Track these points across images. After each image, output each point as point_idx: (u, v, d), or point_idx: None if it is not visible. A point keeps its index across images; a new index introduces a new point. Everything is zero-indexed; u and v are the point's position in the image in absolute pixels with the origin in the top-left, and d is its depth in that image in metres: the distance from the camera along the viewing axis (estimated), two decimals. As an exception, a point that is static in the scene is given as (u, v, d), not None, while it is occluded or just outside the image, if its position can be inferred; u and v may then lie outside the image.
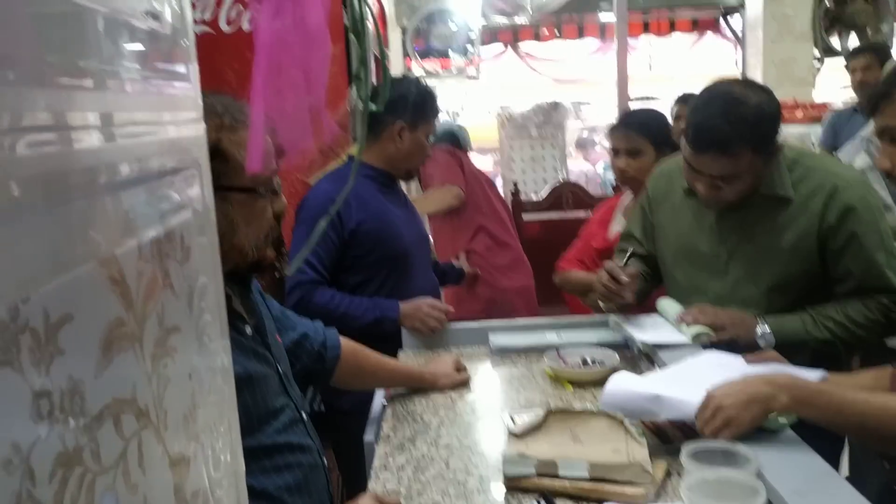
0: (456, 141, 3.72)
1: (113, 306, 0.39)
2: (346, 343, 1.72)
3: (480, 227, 3.39)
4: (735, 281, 1.84)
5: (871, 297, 1.74)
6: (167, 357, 0.45)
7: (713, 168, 1.73)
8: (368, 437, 1.70)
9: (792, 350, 1.64)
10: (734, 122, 1.67)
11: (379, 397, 1.85)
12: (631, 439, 1.38)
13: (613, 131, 2.47)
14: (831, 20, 6.49)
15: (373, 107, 0.92)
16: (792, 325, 1.75)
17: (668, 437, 1.47)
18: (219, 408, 0.57)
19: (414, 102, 2.28)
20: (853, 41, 6.29)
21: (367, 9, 0.81)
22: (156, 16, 0.53)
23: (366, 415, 1.81)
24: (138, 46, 0.49)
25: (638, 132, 2.40)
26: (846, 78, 4.67)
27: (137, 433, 0.40)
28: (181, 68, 0.57)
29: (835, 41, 6.65)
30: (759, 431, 1.32)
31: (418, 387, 1.85)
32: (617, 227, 2.49)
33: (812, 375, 1.45)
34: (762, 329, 1.75)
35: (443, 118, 4.27)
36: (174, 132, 0.55)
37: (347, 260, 2.19)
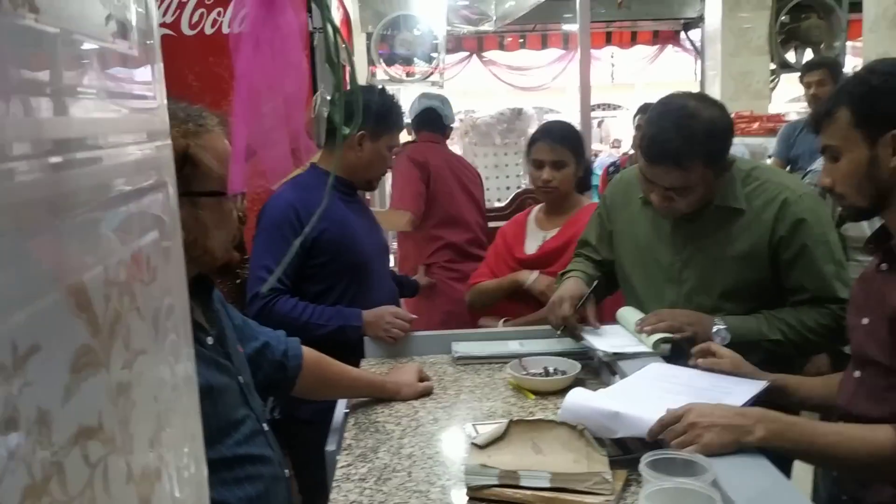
0: (438, 122, 3.63)
1: (80, 333, 0.39)
2: (308, 352, 1.72)
3: (446, 243, 3.35)
4: (689, 289, 1.89)
5: (823, 306, 1.79)
6: (133, 381, 0.45)
7: (666, 179, 1.77)
8: (330, 446, 1.70)
9: (745, 350, 1.68)
10: (687, 136, 1.72)
11: (341, 407, 1.85)
12: (591, 449, 1.40)
13: (537, 143, 2.47)
14: (787, 35, 6.66)
15: (346, 130, 0.93)
16: (748, 324, 1.80)
17: (628, 446, 1.50)
18: (184, 425, 0.57)
19: (376, 112, 2.26)
20: (808, 56, 6.45)
21: (341, 38, 0.82)
22: (123, 33, 0.53)
23: (325, 424, 1.80)
24: (102, 65, 0.49)
25: (562, 144, 2.43)
26: (801, 91, 4.79)
27: (104, 459, 0.40)
28: (147, 89, 0.57)
29: (790, 56, 6.82)
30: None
31: (381, 396, 1.85)
32: (534, 241, 2.52)
33: (753, 387, 1.50)
34: (718, 326, 1.79)
35: (423, 92, 4.16)
36: (139, 152, 0.55)
37: (308, 269, 2.18)
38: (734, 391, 1.52)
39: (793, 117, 5.42)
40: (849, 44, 6.70)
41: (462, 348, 2.12)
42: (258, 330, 1.65)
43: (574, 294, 1.98)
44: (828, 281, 1.78)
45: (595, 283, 2.05)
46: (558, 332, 1.99)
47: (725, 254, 1.84)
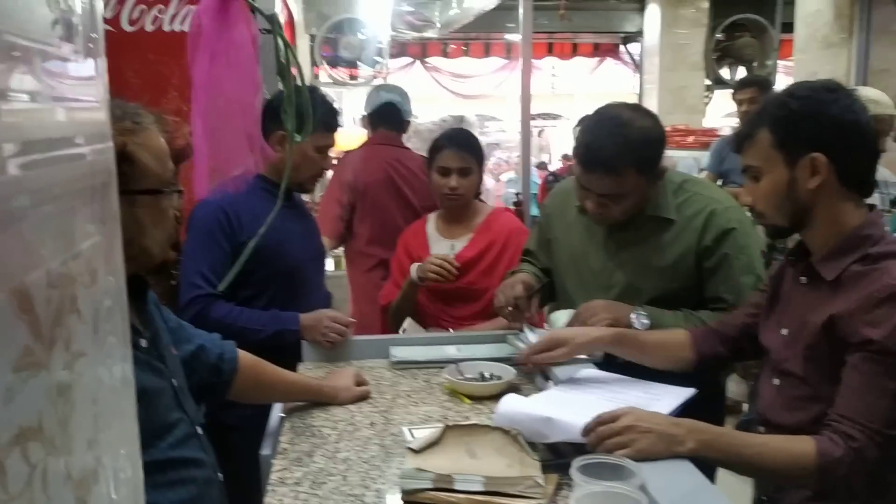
0: (396, 117, 3.47)
1: (21, 336, 0.39)
2: (243, 356, 1.71)
3: (379, 260, 3.19)
4: (617, 294, 1.96)
5: None
6: (73, 382, 0.45)
7: (600, 186, 1.83)
8: (265, 451, 1.69)
9: None
10: (621, 144, 1.78)
11: (276, 411, 1.84)
12: (525, 454, 1.43)
13: (444, 151, 2.46)
14: (722, 52, 6.88)
15: (298, 138, 0.94)
16: (668, 318, 1.87)
17: (560, 451, 1.53)
18: (121, 427, 0.57)
19: (301, 113, 2.24)
20: (741, 74, 6.68)
21: (291, 52, 0.84)
22: (68, 33, 0.53)
23: (252, 430, 1.78)
24: (42, 62, 0.49)
25: (468, 151, 2.47)
26: (734, 107, 4.96)
27: (43, 460, 0.40)
28: (89, 87, 0.57)
29: (724, 72, 7.04)
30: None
31: (318, 400, 1.85)
32: (441, 249, 2.50)
33: (681, 395, 1.56)
34: (637, 313, 1.86)
35: (380, 84, 4.01)
36: (82, 152, 0.55)
37: (239, 274, 2.05)
38: (663, 398, 1.58)
39: (726, 132, 5.60)
40: (780, 63, 6.95)
41: (400, 353, 2.13)
42: (193, 332, 1.63)
43: (527, 280, 2.03)
44: (744, 292, 1.86)
45: (543, 282, 2.11)
46: (507, 310, 2.01)
47: (655, 262, 1.92)
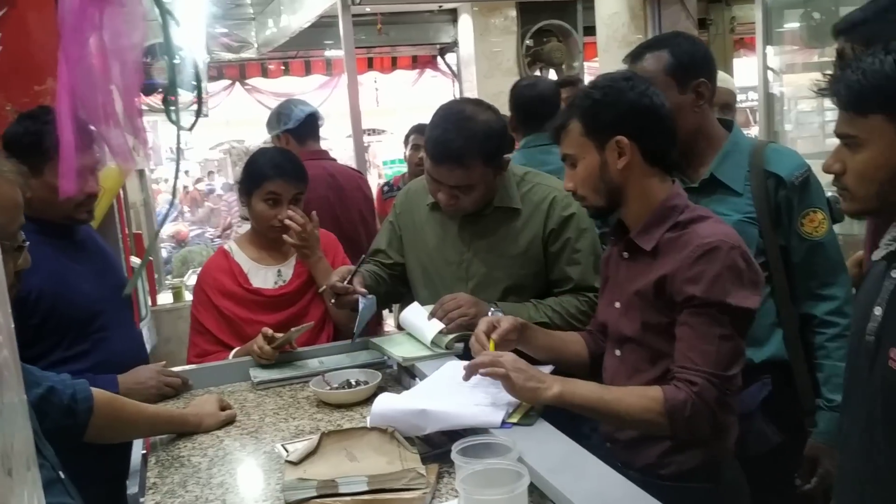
0: (318, 129, 3.32)
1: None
2: (99, 393, 1.61)
3: None
4: (475, 285, 2.05)
5: (583, 294, 2.01)
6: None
7: (450, 178, 1.93)
8: (132, 489, 1.61)
9: None
10: (467, 137, 1.89)
11: (137, 448, 1.75)
12: (403, 449, 1.46)
13: (274, 180, 2.26)
14: (532, 57, 7.24)
15: (186, 126, 0.91)
16: (519, 310, 1.96)
17: (435, 443, 1.58)
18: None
19: (28, 144, 1.88)
20: (553, 77, 7.05)
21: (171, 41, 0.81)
22: None
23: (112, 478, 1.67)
24: None
25: (300, 179, 2.32)
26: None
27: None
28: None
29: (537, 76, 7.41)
30: (516, 426, 1.48)
31: (182, 431, 1.78)
32: (266, 276, 2.33)
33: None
34: (493, 310, 1.94)
35: (290, 99, 3.67)
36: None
37: (24, 331, 1.81)
38: None
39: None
40: (586, 64, 7.43)
41: (261, 374, 2.09)
42: (40, 375, 1.53)
43: (342, 271, 2.04)
44: (587, 271, 2.00)
45: (362, 258, 2.11)
46: (331, 301, 2.03)
47: (507, 250, 2.03)
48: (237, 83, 8.57)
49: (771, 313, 1.89)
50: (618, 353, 1.65)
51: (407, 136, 4.37)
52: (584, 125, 1.57)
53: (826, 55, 4.05)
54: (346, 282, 1.98)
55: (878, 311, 1.25)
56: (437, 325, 1.96)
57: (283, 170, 2.28)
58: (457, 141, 1.89)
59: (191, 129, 0.97)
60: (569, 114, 1.60)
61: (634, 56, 1.91)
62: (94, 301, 2.01)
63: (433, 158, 1.94)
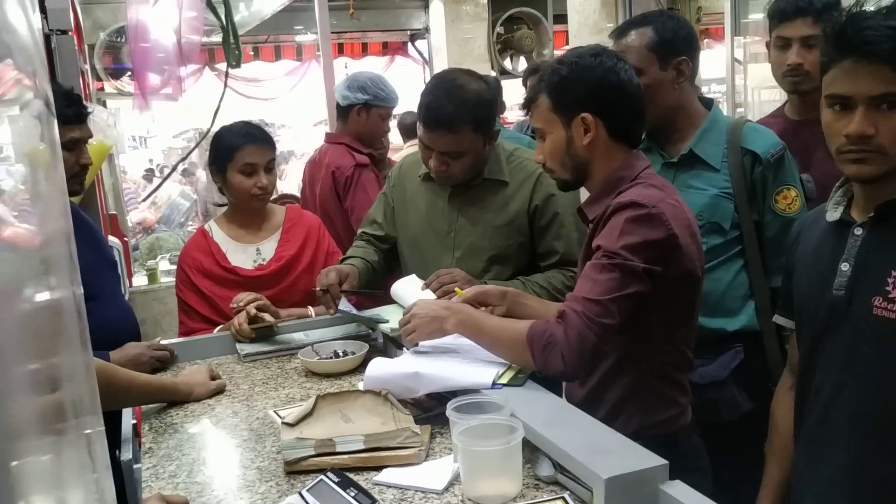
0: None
1: None
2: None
3: None
4: (461, 254, 2.11)
5: (569, 270, 2.06)
6: None
7: (441, 144, 1.99)
8: (125, 455, 1.63)
9: None
10: (458, 104, 1.96)
11: (127, 418, 1.77)
12: (396, 410, 1.51)
13: (247, 147, 2.29)
14: (503, 45, 7.28)
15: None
16: (510, 286, 2.00)
17: (426, 406, 1.63)
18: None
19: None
20: (523, 64, 7.12)
21: None
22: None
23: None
24: None
25: (269, 145, 2.37)
26: (520, 96, 5.28)
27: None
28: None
29: (508, 63, 7.46)
30: (506, 387, 1.52)
31: (174, 399, 1.81)
32: (246, 256, 2.36)
33: None
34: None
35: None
36: None
37: None
38: None
39: (518, 117, 5.96)
40: (557, 52, 7.49)
41: (247, 347, 2.12)
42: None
43: (343, 270, 2.09)
44: (572, 245, 2.06)
45: (371, 267, 2.19)
46: (318, 291, 2.06)
47: (493, 221, 2.08)
48: (206, 67, 8.47)
49: (744, 285, 1.97)
50: None
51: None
52: (551, 101, 1.60)
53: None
54: (342, 282, 2.05)
55: (845, 266, 1.32)
56: (430, 297, 2.00)
57: (253, 137, 2.30)
58: (447, 107, 1.96)
59: (237, 65, 0.98)
60: (538, 89, 1.63)
61: (620, 32, 1.97)
62: (84, 271, 2.01)
63: (425, 124, 2.00)
